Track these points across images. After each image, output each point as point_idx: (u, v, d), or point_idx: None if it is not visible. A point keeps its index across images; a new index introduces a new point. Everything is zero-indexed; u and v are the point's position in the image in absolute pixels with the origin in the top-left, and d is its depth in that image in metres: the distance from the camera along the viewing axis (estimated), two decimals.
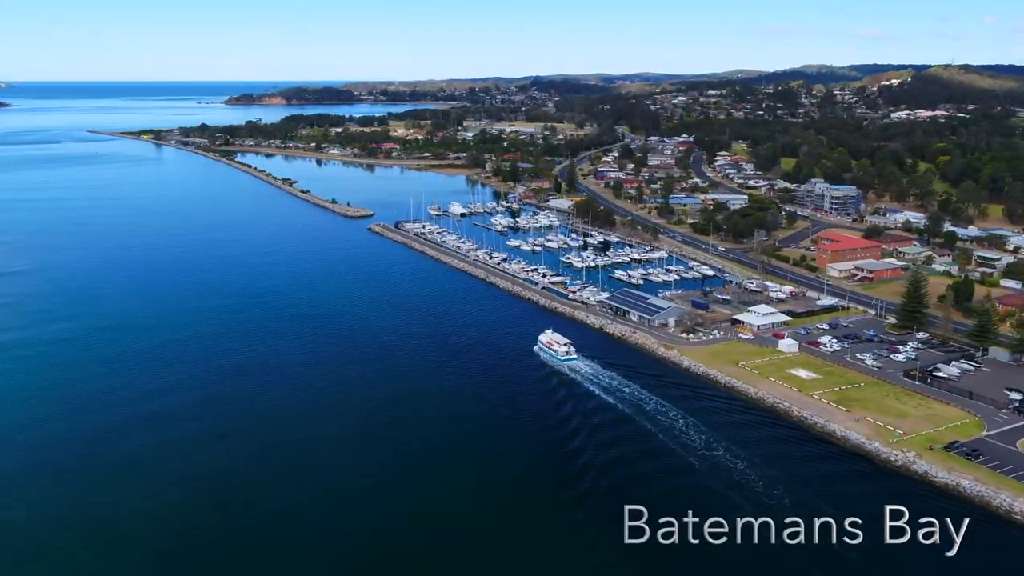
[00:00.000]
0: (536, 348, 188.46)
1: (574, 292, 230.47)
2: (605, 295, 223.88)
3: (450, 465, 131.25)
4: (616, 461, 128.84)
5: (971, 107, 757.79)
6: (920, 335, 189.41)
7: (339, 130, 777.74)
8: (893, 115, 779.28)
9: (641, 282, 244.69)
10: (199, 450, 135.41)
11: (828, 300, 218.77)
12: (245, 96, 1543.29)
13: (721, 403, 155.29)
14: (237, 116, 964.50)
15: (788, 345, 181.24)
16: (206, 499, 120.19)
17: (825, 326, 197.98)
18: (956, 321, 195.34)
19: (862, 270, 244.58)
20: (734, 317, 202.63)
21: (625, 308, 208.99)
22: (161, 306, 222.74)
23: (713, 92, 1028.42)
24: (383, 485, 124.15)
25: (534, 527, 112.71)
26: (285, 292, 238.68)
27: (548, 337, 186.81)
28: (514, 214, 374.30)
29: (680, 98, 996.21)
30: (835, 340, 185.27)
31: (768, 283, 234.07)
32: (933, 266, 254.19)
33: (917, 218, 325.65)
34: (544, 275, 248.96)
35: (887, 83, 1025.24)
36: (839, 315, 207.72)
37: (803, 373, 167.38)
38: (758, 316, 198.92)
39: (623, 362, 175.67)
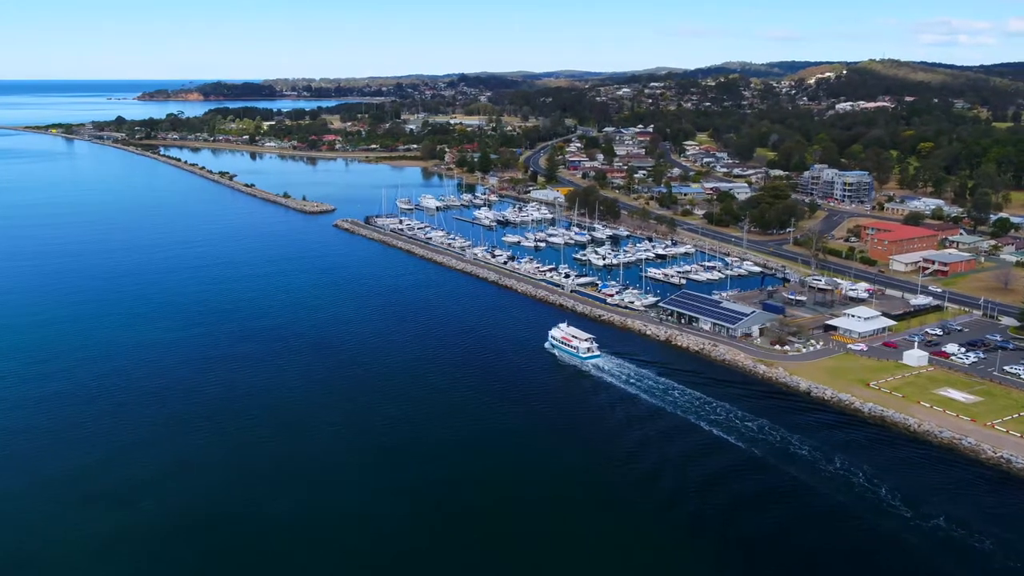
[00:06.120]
0: (548, 345, 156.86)
1: (612, 295, 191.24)
2: (653, 298, 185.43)
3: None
4: (815, 554, 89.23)
5: (908, 99, 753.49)
6: None
7: (272, 123, 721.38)
8: (838, 106, 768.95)
9: (683, 282, 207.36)
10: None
11: (921, 299, 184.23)
12: (160, 92, 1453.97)
13: (892, 448, 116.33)
14: (153, 111, 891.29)
15: (916, 358, 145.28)
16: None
17: (938, 331, 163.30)
18: None
19: (933, 262, 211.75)
20: (827, 323, 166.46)
21: (691, 315, 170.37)
22: (107, 333, 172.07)
23: (657, 84, 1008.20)
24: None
25: None
26: (262, 306, 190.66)
27: (563, 332, 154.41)
28: (488, 206, 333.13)
29: (625, 90, 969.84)
30: (965, 349, 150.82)
31: (839, 280, 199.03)
32: (1001, 256, 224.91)
33: (937, 204, 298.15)
34: (567, 275, 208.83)
35: (823, 76, 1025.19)
36: (946, 317, 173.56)
37: (956, 394, 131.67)
38: (859, 321, 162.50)
39: (725, 388, 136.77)
